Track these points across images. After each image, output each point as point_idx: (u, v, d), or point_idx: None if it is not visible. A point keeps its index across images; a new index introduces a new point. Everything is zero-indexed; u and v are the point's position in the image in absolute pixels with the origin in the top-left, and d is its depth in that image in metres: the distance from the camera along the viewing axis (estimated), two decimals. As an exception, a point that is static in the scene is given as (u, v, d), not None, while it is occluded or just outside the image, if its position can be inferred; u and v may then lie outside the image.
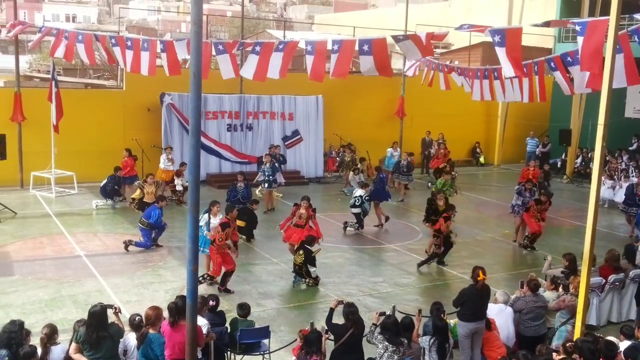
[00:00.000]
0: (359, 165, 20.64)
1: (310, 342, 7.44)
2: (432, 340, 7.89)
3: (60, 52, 17.63)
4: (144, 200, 16.02)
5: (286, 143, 22.57)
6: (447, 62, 23.79)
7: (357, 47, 13.09)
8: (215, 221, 11.89)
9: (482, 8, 35.29)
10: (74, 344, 7.06)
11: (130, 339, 7.45)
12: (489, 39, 12.18)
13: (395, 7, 51.67)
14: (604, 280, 10.72)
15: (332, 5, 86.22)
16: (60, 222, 16.01)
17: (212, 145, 21.65)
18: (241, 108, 22.13)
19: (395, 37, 13.16)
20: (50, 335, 7.06)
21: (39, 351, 6.88)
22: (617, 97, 18.52)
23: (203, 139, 20.10)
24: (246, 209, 14.71)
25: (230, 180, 17.54)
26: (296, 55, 17.28)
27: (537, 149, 26.47)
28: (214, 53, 16.02)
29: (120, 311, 7.76)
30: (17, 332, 6.91)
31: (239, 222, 13.69)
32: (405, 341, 7.57)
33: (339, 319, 7.88)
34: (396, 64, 28.17)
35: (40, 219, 16.30)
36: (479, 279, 8.60)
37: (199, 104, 5.99)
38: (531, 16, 27.41)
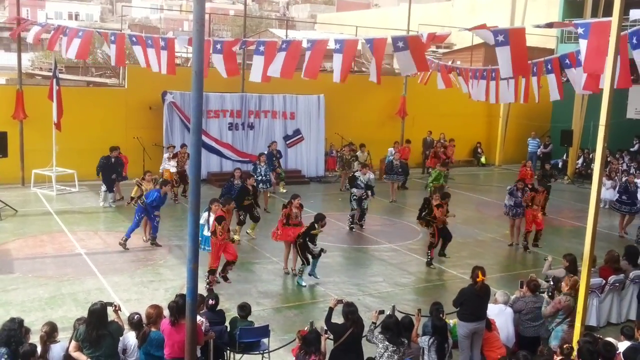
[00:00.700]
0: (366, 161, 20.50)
1: (309, 342, 7.44)
2: (431, 340, 7.88)
3: (72, 52, 17.54)
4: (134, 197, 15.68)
5: (287, 142, 22.58)
6: (449, 62, 23.79)
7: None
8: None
9: (484, 8, 35.24)
10: (73, 342, 7.07)
11: (130, 337, 7.46)
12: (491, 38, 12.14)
13: (398, 6, 51.62)
14: (604, 281, 10.72)
15: (334, 4, 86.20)
16: (61, 220, 16.02)
17: (214, 144, 21.66)
18: (243, 107, 22.14)
19: (394, 43, 13.02)
20: (50, 333, 7.07)
21: (39, 349, 6.89)
22: (619, 98, 18.47)
23: (204, 138, 20.09)
24: (245, 188, 14.81)
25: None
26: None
27: (539, 150, 26.46)
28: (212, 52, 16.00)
29: (120, 309, 7.77)
30: (16, 330, 6.92)
31: (246, 201, 14.33)
32: (405, 341, 7.57)
33: (338, 319, 7.89)
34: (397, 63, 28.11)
35: (41, 217, 16.31)
36: (478, 279, 8.60)
37: (201, 102, 6.00)
38: (534, 16, 27.37)
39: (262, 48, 14.87)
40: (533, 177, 19.27)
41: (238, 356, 8.49)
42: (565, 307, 8.93)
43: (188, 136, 18.60)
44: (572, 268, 10.49)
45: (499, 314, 9.22)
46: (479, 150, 28.52)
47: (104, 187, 17.46)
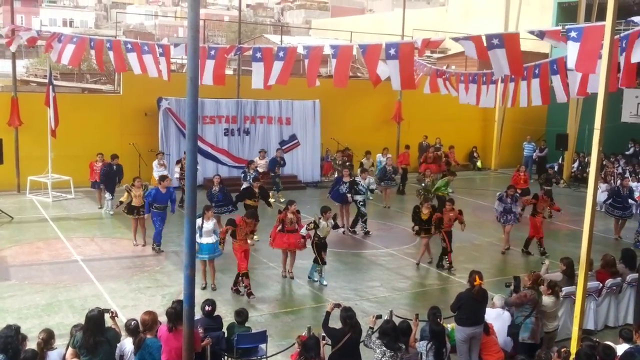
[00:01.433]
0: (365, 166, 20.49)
1: (308, 347, 7.42)
2: (429, 345, 7.87)
3: (65, 58, 17.54)
4: (132, 204, 15.41)
5: (283, 147, 22.56)
6: (444, 67, 23.84)
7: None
8: (209, 225, 11.78)
9: (478, 13, 35.44)
10: (70, 349, 7.04)
11: (127, 344, 7.43)
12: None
13: (392, 12, 51.82)
14: (601, 285, 10.74)
15: (329, 10, 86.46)
16: (57, 226, 15.98)
17: (209, 150, 21.65)
18: (238, 112, 22.15)
19: (387, 49, 13.03)
20: (47, 340, 7.04)
21: (36, 356, 6.86)
22: (614, 102, 18.58)
23: (200, 144, 20.06)
24: (251, 190, 14.90)
25: (227, 184, 17.45)
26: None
27: (534, 154, 26.52)
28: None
29: (117, 316, 7.75)
30: (13, 336, 6.88)
31: (251, 202, 14.53)
32: (403, 346, 7.56)
33: (335, 323, 7.87)
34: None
35: (37, 224, 16.27)
36: (475, 283, 8.60)
37: (196, 108, 5.99)
38: (528, 21, 27.48)
39: (259, 55, 14.92)
40: (527, 182, 19.29)
41: (236, 362, 8.47)
42: (531, 299, 9.02)
43: (184, 142, 18.64)
44: (569, 272, 10.52)
45: (497, 318, 9.22)
46: (475, 154, 28.57)
47: (108, 195, 17.44)
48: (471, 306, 8.58)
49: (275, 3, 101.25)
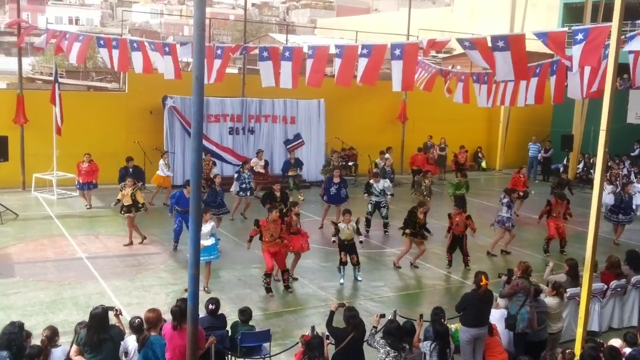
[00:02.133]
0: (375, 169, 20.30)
1: (312, 347, 7.43)
2: (433, 345, 7.87)
3: (72, 56, 17.59)
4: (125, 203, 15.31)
5: (288, 146, 22.58)
6: (449, 67, 23.82)
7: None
8: (206, 228, 11.57)
9: (484, 13, 35.37)
10: (74, 346, 7.07)
11: (130, 341, 7.46)
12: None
13: (397, 11, 51.76)
14: (606, 286, 10.71)
15: (334, 9, 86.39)
16: (61, 224, 16.02)
17: (214, 148, 21.65)
18: (243, 111, 22.15)
19: (392, 49, 13.02)
20: (51, 337, 7.07)
21: (40, 353, 6.88)
22: (619, 103, 18.51)
23: (205, 142, 20.07)
24: (271, 194, 14.88)
25: (232, 183, 17.46)
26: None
27: (539, 154, 26.46)
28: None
29: (121, 313, 7.77)
30: (17, 333, 6.92)
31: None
32: (407, 346, 7.56)
33: (339, 323, 7.87)
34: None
35: (42, 221, 16.31)
36: (481, 284, 8.59)
37: (201, 107, 6.01)
38: (534, 21, 27.43)
39: (265, 54, 14.95)
40: (527, 184, 19.22)
41: (239, 361, 8.48)
42: (522, 287, 9.03)
43: (189, 140, 18.67)
44: (573, 273, 10.50)
45: (501, 319, 9.21)
46: (480, 154, 28.53)
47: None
48: (477, 307, 8.57)
49: (281, 2, 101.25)
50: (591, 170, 23.20)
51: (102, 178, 18.12)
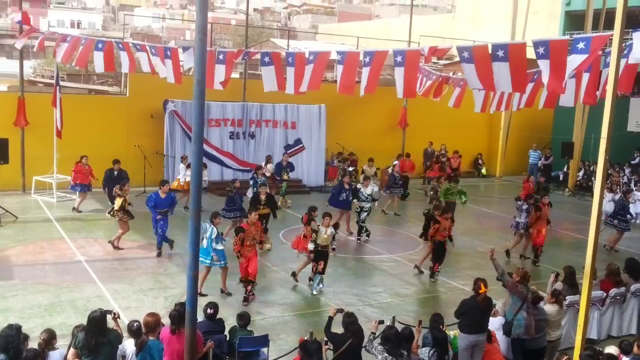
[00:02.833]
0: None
1: (310, 352, 7.41)
2: (431, 352, 7.85)
3: (59, 56, 17.54)
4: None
5: (288, 152, 22.57)
6: (451, 74, 23.81)
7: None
8: (214, 232, 11.66)
9: (486, 20, 35.43)
10: (72, 350, 7.06)
11: (128, 345, 7.44)
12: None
13: (399, 17, 51.88)
14: (605, 294, 10.70)
15: (336, 15, 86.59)
16: (61, 227, 16.01)
17: (215, 153, 21.67)
18: (244, 116, 22.18)
19: (394, 56, 12.97)
20: (49, 340, 7.05)
21: (37, 356, 6.86)
22: (620, 111, 18.51)
23: (205, 146, 20.09)
24: (258, 198, 14.84)
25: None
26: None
27: (540, 162, 26.47)
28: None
29: (119, 317, 7.76)
30: (14, 336, 6.90)
31: (263, 210, 14.13)
32: (405, 353, 7.54)
33: (338, 328, 7.86)
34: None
35: (41, 224, 16.30)
36: (480, 291, 8.57)
37: (202, 111, 6.01)
38: (535, 29, 27.47)
39: (267, 59, 14.96)
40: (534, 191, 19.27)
41: (237, 365, 8.46)
42: (521, 292, 9.01)
43: (189, 145, 18.65)
44: (570, 281, 10.48)
45: (500, 326, 9.19)
46: (480, 161, 28.54)
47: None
48: (475, 314, 8.55)
49: (283, 7, 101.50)
50: (592, 178, 23.20)
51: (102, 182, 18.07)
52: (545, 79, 9.98)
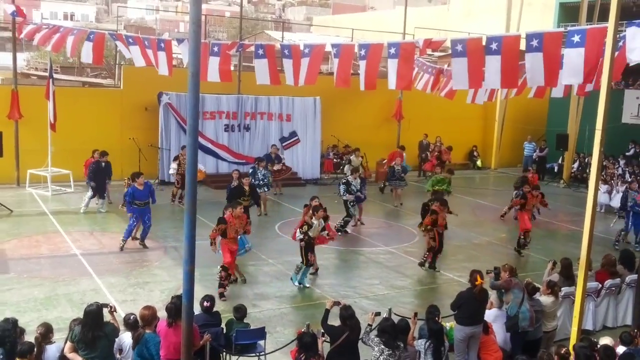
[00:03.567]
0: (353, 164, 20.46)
1: (307, 345, 7.42)
2: (427, 343, 7.87)
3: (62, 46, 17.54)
4: None
5: (284, 144, 22.57)
6: (445, 66, 23.79)
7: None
8: None
9: (480, 12, 35.34)
10: (69, 343, 7.05)
11: (125, 338, 7.45)
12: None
13: (394, 9, 51.78)
14: (600, 285, 10.74)
15: (330, 7, 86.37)
16: (56, 220, 15.97)
17: (210, 145, 21.63)
18: (239, 108, 22.12)
19: (388, 48, 12.92)
20: (45, 334, 7.05)
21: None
22: (615, 103, 18.57)
23: (200, 139, 20.02)
24: (241, 188, 14.88)
25: (228, 180, 17.45)
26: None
27: (534, 154, 26.51)
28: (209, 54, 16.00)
29: (115, 310, 7.75)
30: (10, 330, 6.90)
31: (245, 202, 13.89)
32: (402, 344, 7.56)
33: (335, 320, 7.87)
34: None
35: (36, 217, 16.25)
36: (476, 283, 8.60)
37: (197, 103, 5.99)
38: (529, 21, 27.46)
39: (261, 51, 14.91)
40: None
41: (234, 358, 8.47)
42: (517, 284, 9.02)
43: (184, 137, 18.62)
44: (566, 272, 10.51)
45: (495, 318, 9.21)
46: (475, 153, 28.56)
47: (89, 193, 16.96)
48: (472, 305, 8.57)
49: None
50: (586, 170, 23.26)
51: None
52: (537, 73, 9.97)
